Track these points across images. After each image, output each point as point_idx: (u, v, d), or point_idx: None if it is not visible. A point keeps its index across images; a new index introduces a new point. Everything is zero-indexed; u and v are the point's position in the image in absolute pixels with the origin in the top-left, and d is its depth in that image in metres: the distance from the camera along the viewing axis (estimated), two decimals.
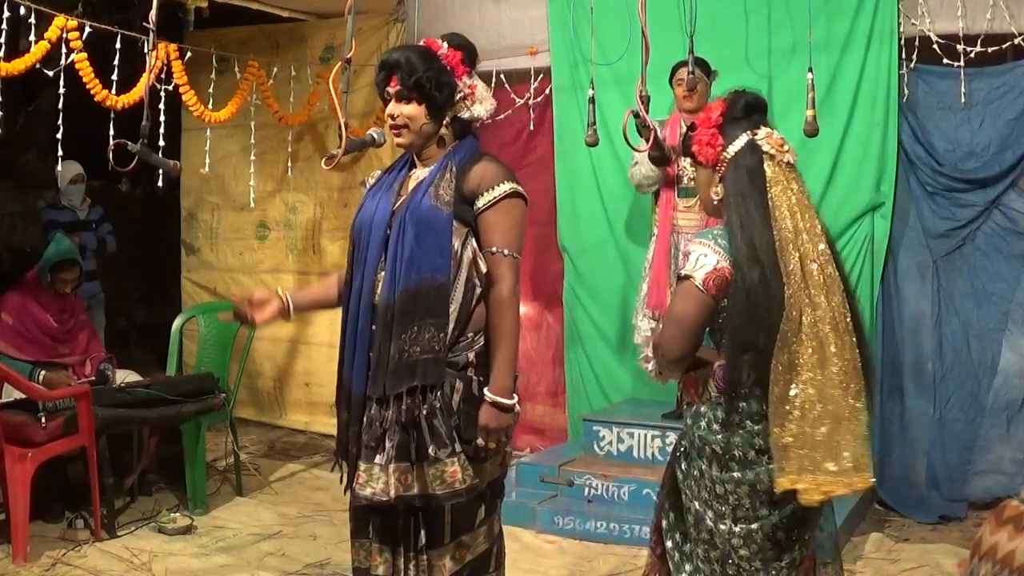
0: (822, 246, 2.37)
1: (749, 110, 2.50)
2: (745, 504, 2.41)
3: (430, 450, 2.55)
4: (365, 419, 2.63)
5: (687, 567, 2.52)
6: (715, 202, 2.52)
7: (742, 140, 2.47)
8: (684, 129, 4.87)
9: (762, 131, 2.47)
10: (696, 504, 2.47)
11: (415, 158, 2.75)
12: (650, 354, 2.59)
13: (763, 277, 2.33)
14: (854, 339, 2.34)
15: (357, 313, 2.66)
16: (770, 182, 2.41)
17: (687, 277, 2.42)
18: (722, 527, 2.42)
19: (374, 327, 2.62)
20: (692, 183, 4.72)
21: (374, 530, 2.72)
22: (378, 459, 2.59)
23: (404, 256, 2.57)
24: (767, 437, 2.35)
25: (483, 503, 2.72)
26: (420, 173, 2.71)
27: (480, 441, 2.59)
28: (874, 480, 2.42)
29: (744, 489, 2.40)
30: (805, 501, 2.28)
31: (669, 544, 2.57)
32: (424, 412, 2.55)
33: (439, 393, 2.56)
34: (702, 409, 2.48)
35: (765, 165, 2.42)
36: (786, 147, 2.45)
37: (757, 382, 2.36)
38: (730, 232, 2.40)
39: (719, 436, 2.42)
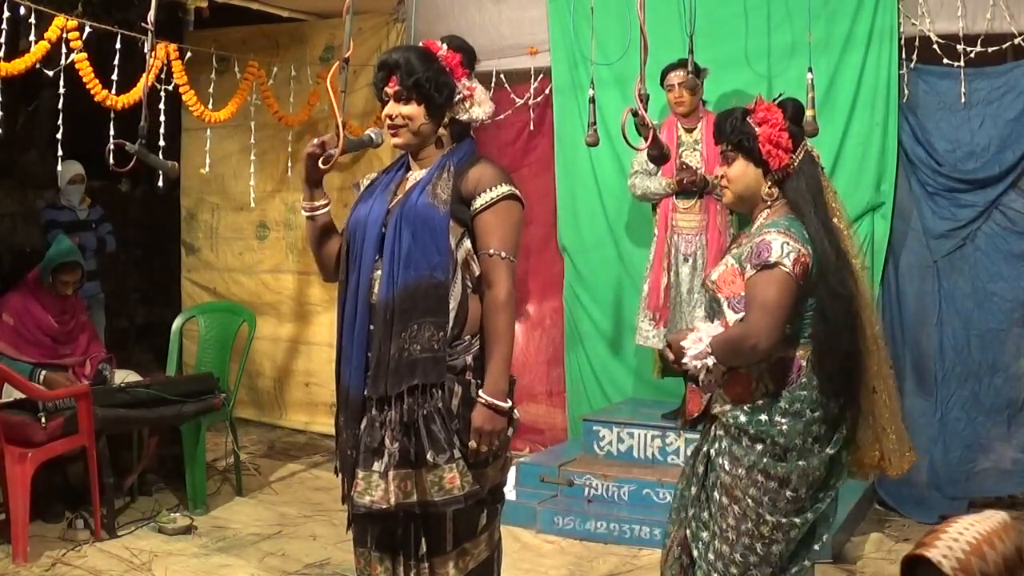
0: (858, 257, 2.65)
1: (798, 118, 2.62)
2: (801, 493, 2.51)
3: (428, 456, 2.53)
4: (365, 421, 2.61)
5: (719, 566, 2.56)
6: (767, 202, 2.62)
7: (804, 148, 2.60)
8: (680, 132, 4.89)
9: (807, 141, 2.65)
10: (748, 500, 2.52)
11: (411, 159, 2.74)
12: (708, 348, 2.53)
13: (856, 285, 2.53)
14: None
15: (354, 313, 2.63)
16: (827, 190, 2.61)
17: (775, 264, 2.46)
18: (782, 520, 2.50)
19: (371, 327, 2.60)
20: (714, 181, 4.72)
21: (372, 538, 2.70)
22: (376, 466, 2.56)
23: (401, 253, 2.56)
24: (823, 425, 2.53)
25: (484, 509, 2.70)
26: (417, 174, 2.70)
27: (472, 443, 2.55)
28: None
29: (803, 479, 2.50)
30: (896, 473, 2.67)
31: (696, 553, 2.62)
32: (424, 414, 2.53)
33: (440, 394, 2.55)
34: (759, 403, 2.54)
35: (818, 171, 2.61)
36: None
37: (838, 378, 2.54)
38: (812, 233, 2.52)
39: (784, 427, 2.51)
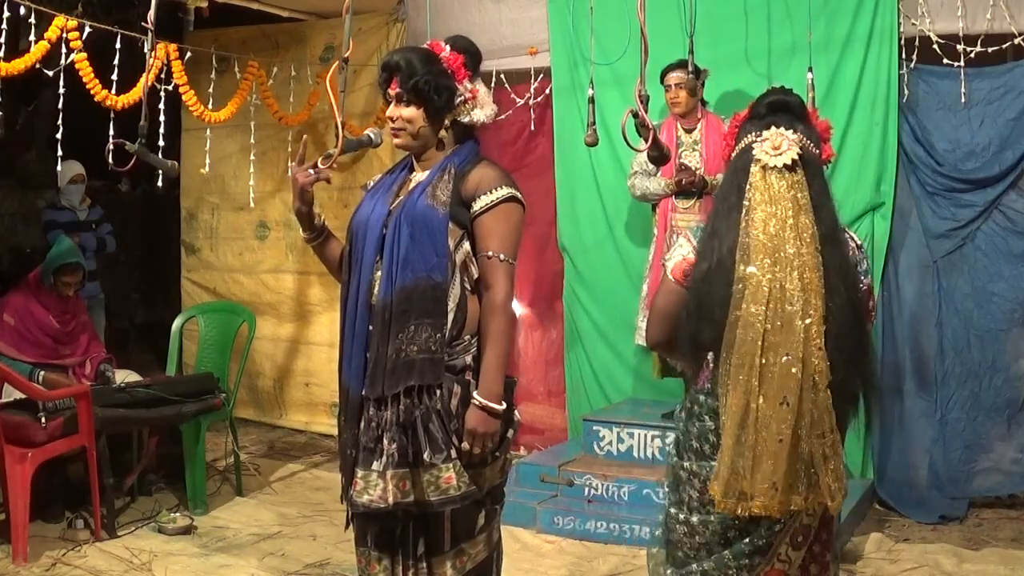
0: (813, 260, 2.22)
1: (771, 110, 2.42)
2: (691, 494, 2.43)
3: (425, 455, 2.54)
4: (363, 421, 2.62)
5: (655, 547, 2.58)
6: None
7: (743, 142, 2.40)
8: (679, 132, 4.90)
9: (769, 132, 2.34)
10: (665, 485, 2.55)
11: (415, 161, 2.75)
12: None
13: (708, 273, 2.32)
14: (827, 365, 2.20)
15: (355, 314, 2.64)
16: (751, 187, 2.29)
17: (663, 265, 2.53)
18: (672, 510, 2.46)
19: (371, 327, 2.61)
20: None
21: (371, 538, 2.71)
22: (375, 465, 2.57)
23: (400, 255, 2.57)
24: (720, 435, 2.32)
25: (483, 509, 2.70)
26: (419, 175, 2.71)
27: (465, 445, 2.56)
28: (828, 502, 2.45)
29: (696, 482, 2.42)
30: (721, 508, 2.29)
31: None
32: (421, 414, 2.54)
33: (438, 395, 2.55)
34: (688, 393, 2.55)
35: (752, 169, 2.32)
36: (783, 149, 2.30)
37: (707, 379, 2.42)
38: (703, 230, 2.46)
39: (682, 424, 2.49)
